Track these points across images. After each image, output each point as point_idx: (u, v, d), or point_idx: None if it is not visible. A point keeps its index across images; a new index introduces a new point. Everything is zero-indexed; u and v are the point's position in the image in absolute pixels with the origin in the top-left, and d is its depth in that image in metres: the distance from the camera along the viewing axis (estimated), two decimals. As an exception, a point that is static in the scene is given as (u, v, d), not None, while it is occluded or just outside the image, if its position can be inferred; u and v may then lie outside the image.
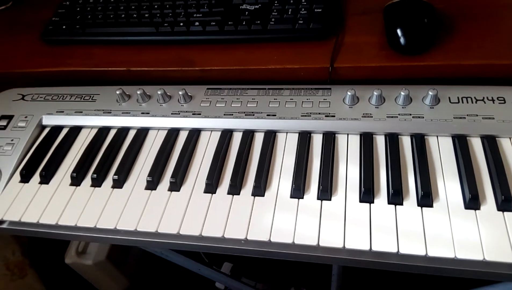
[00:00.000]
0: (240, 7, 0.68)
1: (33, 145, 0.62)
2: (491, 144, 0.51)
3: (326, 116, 0.56)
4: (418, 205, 0.47)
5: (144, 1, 0.72)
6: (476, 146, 0.52)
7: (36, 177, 0.58)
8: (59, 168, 0.59)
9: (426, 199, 0.47)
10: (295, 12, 0.64)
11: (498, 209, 0.46)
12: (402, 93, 0.55)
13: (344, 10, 0.66)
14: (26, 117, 0.65)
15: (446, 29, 0.59)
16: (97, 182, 0.56)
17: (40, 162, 0.60)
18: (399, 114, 0.55)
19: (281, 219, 0.49)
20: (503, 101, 0.54)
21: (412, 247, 0.44)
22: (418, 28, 0.57)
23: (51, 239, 0.56)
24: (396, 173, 0.50)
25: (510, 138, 0.52)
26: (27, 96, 0.68)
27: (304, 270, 1.10)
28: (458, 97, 0.55)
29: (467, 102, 0.54)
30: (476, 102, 0.54)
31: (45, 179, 0.57)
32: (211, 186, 0.53)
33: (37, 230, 0.55)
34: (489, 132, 0.52)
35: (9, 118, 0.65)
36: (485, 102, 0.54)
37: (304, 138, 0.56)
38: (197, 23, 0.66)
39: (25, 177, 0.58)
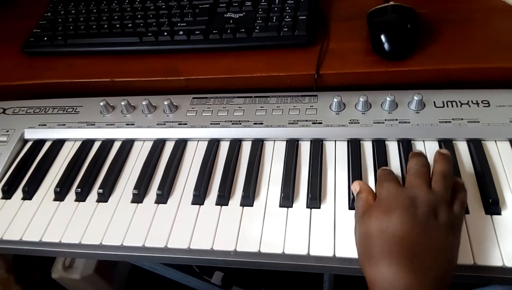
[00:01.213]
0: (225, 15, 0.68)
1: (15, 160, 0.61)
2: (477, 148, 0.51)
3: (313, 123, 0.56)
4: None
5: (127, 11, 0.72)
6: (462, 150, 0.52)
7: (19, 193, 0.57)
8: (42, 183, 0.58)
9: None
10: (280, 20, 0.64)
11: (486, 213, 0.46)
12: (388, 99, 0.55)
13: (328, 17, 0.66)
14: (7, 131, 0.64)
15: (429, 34, 0.60)
16: (81, 197, 0.54)
17: (22, 177, 0.58)
18: (385, 120, 0.55)
19: (270, 229, 0.48)
20: (487, 105, 0.54)
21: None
22: (402, 33, 0.58)
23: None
24: (384, 179, 0.49)
25: (495, 141, 0.52)
26: (8, 109, 0.67)
27: (295, 278, 1.10)
28: (443, 101, 0.55)
29: (452, 106, 0.55)
30: (461, 106, 0.55)
31: (28, 194, 0.56)
32: (199, 197, 0.52)
33: (21, 248, 0.54)
34: (474, 135, 0.52)
35: (-10, 132, 0.64)
36: (469, 106, 0.54)
37: (292, 146, 0.55)
38: (181, 32, 0.66)
39: (7, 193, 0.57)
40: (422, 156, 0.46)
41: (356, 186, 0.47)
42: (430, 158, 0.51)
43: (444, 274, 0.38)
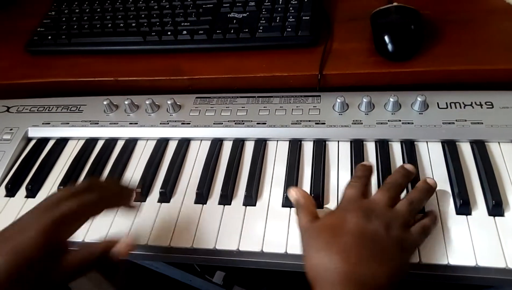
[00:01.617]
0: (228, 15, 0.68)
1: (18, 158, 0.61)
2: (480, 149, 0.51)
3: (316, 123, 0.56)
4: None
5: (131, 10, 0.72)
6: (466, 151, 0.52)
7: (22, 191, 0.57)
8: (45, 181, 0.58)
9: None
10: (283, 20, 0.64)
11: (489, 214, 0.46)
12: (391, 100, 0.55)
13: (331, 17, 0.66)
14: (11, 129, 0.64)
15: (433, 35, 0.60)
16: (85, 195, 0.54)
17: (26, 175, 0.59)
18: (388, 121, 0.55)
19: (273, 228, 0.48)
20: (491, 106, 0.54)
21: (405, 254, 0.44)
22: (405, 34, 0.58)
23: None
24: (387, 180, 0.50)
25: (499, 143, 0.52)
26: (12, 108, 0.67)
27: (297, 278, 1.10)
28: (446, 103, 0.55)
29: (456, 107, 0.55)
30: (464, 107, 0.54)
31: (32, 193, 0.56)
32: (202, 197, 0.52)
33: (24, 246, 0.54)
34: (478, 137, 0.52)
35: (-6, 130, 0.64)
36: (473, 107, 0.54)
37: (295, 146, 0.55)
38: (185, 32, 0.66)
39: (11, 191, 0.57)
40: (402, 174, 0.46)
41: (293, 193, 0.47)
42: (433, 160, 0.52)
43: (381, 280, 0.38)
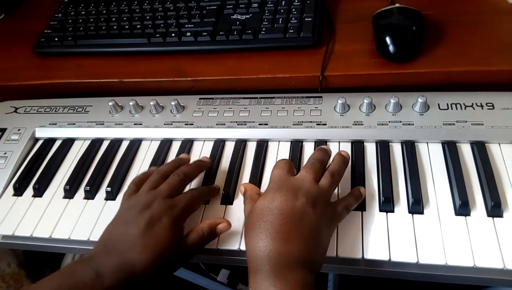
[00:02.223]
0: (231, 17, 0.68)
1: (26, 158, 0.62)
2: (480, 150, 0.51)
3: (317, 124, 0.57)
4: (409, 212, 0.48)
5: (136, 12, 0.73)
6: (466, 152, 0.52)
7: (30, 190, 0.58)
8: (52, 181, 0.59)
9: (417, 206, 0.47)
10: (286, 22, 0.64)
11: (488, 215, 0.46)
12: (392, 101, 0.55)
13: (334, 19, 0.67)
14: (19, 130, 0.65)
15: (435, 36, 0.60)
16: (90, 195, 0.56)
17: (33, 175, 0.60)
18: (389, 122, 0.55)
19: (274, 228, 0.49)
20: (491, 107, 0.54)
21: (403, 254, 0.44)
22: (407, 35, 0.58)
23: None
24: (387, 181, 0.50)
25: (499, 144, 0.52)
26: (20, 108, 0.69)
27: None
28: (447, 104, 0.55)
29: (456, 109, 0.55)
30: (465, 108, 0.55)
31: (39, 192, 0.58)
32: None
33: (31, 244, 0.55)
34: (478, 138, 0.52)
35: (2, 131, 0.65)
36: (474, 108, 0.55)
37: (296, 147, 0.56)
38: (188, 34, 0.67)
39: (19, 191, 0.58)
40: (322, 151, 0.50)
41: (242, 188, 0.50)
42: (433, 161, 0.52)
43: (310, 256, 0.41)
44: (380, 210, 0.48)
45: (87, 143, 0.63)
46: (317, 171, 0.47)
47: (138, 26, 0.70)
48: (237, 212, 0.51)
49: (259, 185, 0.53)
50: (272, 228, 0.41)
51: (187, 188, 0.53)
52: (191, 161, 0.55)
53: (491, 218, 0.46)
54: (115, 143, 0.62)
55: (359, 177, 0.51)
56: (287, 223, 0.42)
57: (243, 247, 0.48)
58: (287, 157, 0.55)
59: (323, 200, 0.45)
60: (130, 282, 0.43)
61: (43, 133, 0.65)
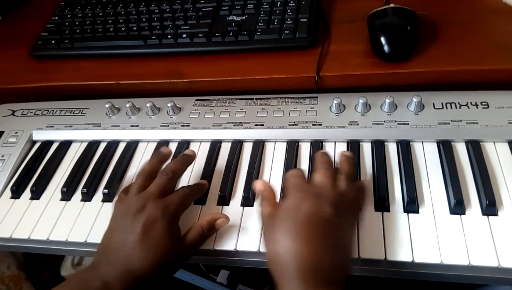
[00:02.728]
0: (227, 18, 0.69)
1: (23, 160, 0.63)
2: (475, 149, 0.51)
3: (313, 124, 0.57)
4: (405, 211, 0.48)
5: (132, 14, 0.73)
6: (461, 151, 0.52)
7: (27, 193, 0.58)
8: (49, 183, 0.59)
9: (412, 205, 0.47)
10: (281, 22, 0.65)
11: (483, 214, 0.46)
12: (387, 100, 0.55)
13: (329, 19, 0.67)
14: (16, 132, 0.65)
15: (429, 35, 0.60)
16: (87, 197, 0.56)
17: (30, 177, 0.60)
18: (384, 121, 0.55)
19: (270, 228, 0.49)
20: (486, 106, 0.54)
21: (399, 253, 0.44)
22: (402, 35, 0.58)
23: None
24: (382, 181, 0.50)
25: (494, 143, 0.52)
26: (17, 111, 0.69)
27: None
28: (442, 103, 0.56)
29: (451, 108, 0.55)
30: (460, 108, 0.55)
31: (36, 194, 0.58)
32: (201, 197, 0.53)
33: (29, 246, 0.55)
34: (473, 137, 0.53)
35: (0, 134, 0.65)
36: (468, 107, 0.55)
37: (292, 147, 0.56)
38: (184, 35, 0.67)
39: (16, 193, 0.58)
40: (325, 154, 0.49)
41: (258, 185, 0.49)
42: (428, 160, 0.52)
43: (341, 265, 0.41)
44: (376, 210, 0.49)
45: (84, 145, 0.63)
46: (332, 176, 0.46)
47: (134, 28, 0.70)
48: (233, 212, 0.51)
49: (255, 186, 0.53)
50: (299, 237, 0.40)
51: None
52: (173, 154, 0.55)
53: (486, 217, 0.46)
54: (112, 145, 0.62)
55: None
56: (314, 231, 0.40)
57: (239, 248, 0.48)
58: (283, 158, 0.56)
59: (346, 205, 0.44)
60: (136, 286, 0.43)
61: (40, 135, 0.65)
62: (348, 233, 0.43)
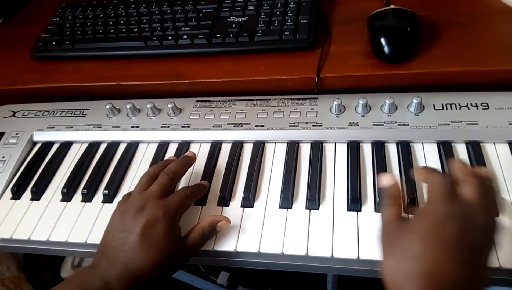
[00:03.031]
0: (228, 19, 0.69)
1: (24, 161, 0.63)
2: (475, 150, 0.51)
3: (313, 125, 0.57)
4: (405, 213, 0.48)
5: (133, 16, 0.73)
6: (461, 152, 0.52)
7: (27, 194, 0.59)
8: (50, 184, 0.59)
9: (412, 206, 0.47)
10: (282, 24, 0.65)
11: (483, 214, 0.46)
12: (387, 101, 0.55)
13: (329, 20, 0.67)
14: (17, 133, 0.65)
15: (430, 36, 0.60)
16: (87, 197, 0.56)
17: (31, 178, 0.60)
18: (384, 122, 0.55)
19: (270, 229, 0.49)
20: (486, 107, 0.54)
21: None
22: (402, 36, 0.58)
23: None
24: (382, 181, 0.50)
25: (494, 144, 0.52)
26: (18, 112, 0.69)
27: (300, 278, 1.10)
28: (442, 104, 0.56)
29: (451, 109, 0.55)
30: (460, 109, 0.55)
31: (36, 195, 0.58)
32: (201, 198, 0.53)
33: (29, 247, 0.55)
34: (473, 138, 0.53)
35: (0, 135, 0.66)
36: (469, 108, 0.55)
37: (292, 148, 0.56)
38: (185, 36, 0.67)
39: (16, 194, 0.59)
40: (469, 167, 0.42)
41: (386, 179, 0.44)
42: (429, 161, 0.52)
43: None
44: (376, 211, 0.49)
45: (85, 146, 0.63)
46: (482, 194, 0.39)
47: (135, 30, 0.71)
48: (233, 213, 0.51)
49: (256, 189, 0.53)
50: (449, 261, 0.35)
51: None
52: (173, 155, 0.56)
53: (486, 218, 0.46)
54: (113, 146, 0.62)
55: (355, 178, 0.51)
56: (461, 259, 0.35)
57: (239, 249, 0.48)
58: (283, 159, 0.56)
59: (494, 231, 0.39)
60: (136, 286, 0.43)
61: (41, 136, 0.65)
62: (487, 259, 0.38)
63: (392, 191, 0.43)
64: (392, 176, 0.45)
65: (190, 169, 0.57)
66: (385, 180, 0.44)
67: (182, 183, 0.56)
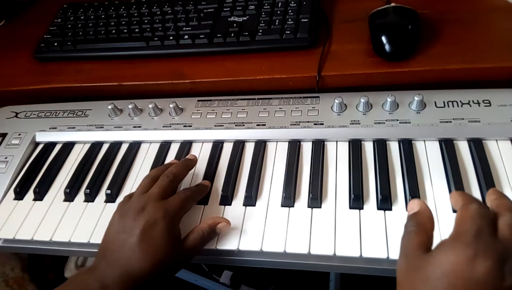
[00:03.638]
0: (229, 19, 0.69)
1: (27, 162, 0.63)
2: (477, 147, 0.51)
3: (315, 124, 0.57)
4: (407, 210, 0.48)
5: (134, 16, 0.74)
6: (463, 149, 0.52)
7: (30, 194, 0.59)
8: (52, 184, 0.60)
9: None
10: (282, 23, 0.65)
11: (486, 212, 0.46)
12: (389, 99, 0.55)
13: (330, 19, 0.67)
14: (19, 134, 0.66)
15: (431, 34, 0.60)
16: (90, 197, 0.56)
17: (34, 179, 0.60)
18: (386, 120, 0.55)
19: (272, 228, 0.49)
20: (488, 104, 0.54)
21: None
22: (403, 34, 0.58)
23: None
24: (384, 179, 0.50)
25: (496, 141, 0.52)
26: (21, 113, 0.69)
27: (303, 277, 1.10)
28: (444, 101, 0.56)
29: (453, 106, 0.55)
30: (461, 106, 0.55)
31: (39, 195, 0.58)
32: (203, 197, 0.53)
33: (32, 247, 0.56)
34: (475, 135, 0.53)
35: (3, 136, 0.66)
36: (470, 106, 0.55)
37: (294, 147, 0.56)
38: (186, 36, 0.67)
39: (19, 194, 0.59)
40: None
41: (415, 204, 0.40)
42: (431, 159, 0.52)
43: None
44: (378, 209, 0.49)
45: (87, 146, 0.63)
46: None
47: (136, 30, 0.71)
48: (235, 212, 0.51)
49: (258, 188, 0.53)
50: None
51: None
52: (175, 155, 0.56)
53: (488, 215, 0.46)
54: (115, 146, 0.62)
55: (356, 176, 0.51)
56: None
57: (242, 247, 0.48)
58: (285, 157, 0.56)
59: None
60: (136, 288, 0.43)
61: (43, 137, 0.65)
62: None
63: (420, 218, 0.38)
64: (423, 202, 0.40)
65: (191, 170, 0.57)
66: (415, 205, 0.39)
67: (184, 182, 0.56)
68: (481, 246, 0.32)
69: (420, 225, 0.37)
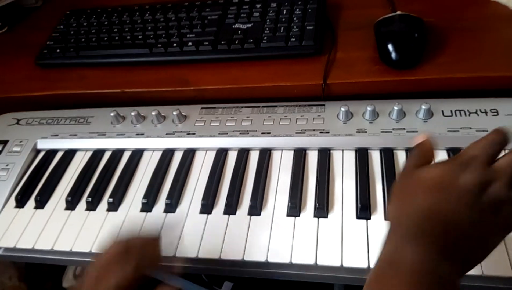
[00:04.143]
0: (233, 26, 0.69)
1: (28, 169, 0.62)
2: (486, 157, 0.51)
3: (320, 132, 0.56)
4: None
5: (138, 23, 0.73)
6: (471, 158, 0.52)
7: (31, 202, 0.58)
8: (54, 193, 0.59)
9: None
10: (287, 30, 0.64)
11: (496, 222, 0.45)
12: (395, 108, 0.55)
13: (335, 27, 0.67)
14: (21, 141, 0.65)
15: (437, 42, 0.60)
16: (92, 206, 0.55)
17: (35, 187, 0.60)
18: (393, 129, 0.55)
19: (278, 238, 0.48)
20: (496, 113, 0.54)
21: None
22: (409, 42, 0.58)
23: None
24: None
25: (504, 150, 0.51)
26: (22, 120, 0.68)
27: (305, 288, 1.09)
28: (451, 110, 0.55)
29: (461, 115, 0.54)
30: (469, 115, 0.54)
31: (40, 203, 0.57)
32: (207, 207, 0.52)
33: (33, 256, 0.55)
34: (483, 144, 0.52)
35: (4, 143, 0.65)
36: (478, 115, 0.54)
37: (299, 155, 0.56)
38: (190, 43, 0.67)
39: (20, 202, 0.58)
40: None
41: (420, 137, 0.39)
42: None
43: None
44: (386, 219, 0.48)
45: (89, 154, 0.63)
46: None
47: (139, 37, 0.70)
48: (240, 222, 0.50)
49: (263, 197, 0.52)
50: (438, 210, 0.33)
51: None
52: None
53: (499, 226, 0.45)
54: (117, 154, 0.62)
55: (363, 186, 0.50)
56: (460, 211, 0.32)
57: (246, 258, 0.47)
58: (290, 166, 0.55)
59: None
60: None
61: (44, 144, 0.64)
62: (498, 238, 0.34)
63: (422, 145, 0.39)
64: (427, 135, 0.40)
65: (194, 178, 0.56)
66: (420, 137, 0.39)
67: (189, 190, 0.55)
68: (473, 167, 0.34)
69: (420, 150, 0.39)
